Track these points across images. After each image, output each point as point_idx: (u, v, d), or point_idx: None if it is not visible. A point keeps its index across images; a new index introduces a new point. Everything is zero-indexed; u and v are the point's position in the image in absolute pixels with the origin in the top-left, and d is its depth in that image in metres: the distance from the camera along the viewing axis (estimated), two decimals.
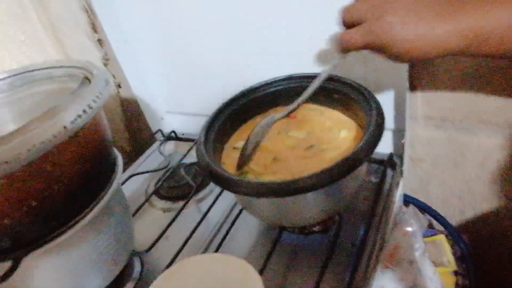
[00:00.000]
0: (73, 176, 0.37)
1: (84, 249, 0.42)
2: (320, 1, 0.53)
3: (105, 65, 0.76)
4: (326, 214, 0.49)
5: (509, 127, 0.52)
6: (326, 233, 0.51)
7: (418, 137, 0.58)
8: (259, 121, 0.52)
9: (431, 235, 0.61)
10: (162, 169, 0.72)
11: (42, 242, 0.37)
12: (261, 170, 0.47)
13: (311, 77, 0.49)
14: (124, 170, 0.71)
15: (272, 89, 0.56)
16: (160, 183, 0.68)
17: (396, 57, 0.36)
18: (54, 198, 0.36)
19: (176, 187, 0.67)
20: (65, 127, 0.33)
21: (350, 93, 0.49)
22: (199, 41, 0.68)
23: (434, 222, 0.64)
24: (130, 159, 0.80)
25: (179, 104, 0.82)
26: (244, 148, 0.49)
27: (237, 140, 0.54)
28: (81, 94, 0.37)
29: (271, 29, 0.60)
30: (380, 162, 0.59)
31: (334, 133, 0.50)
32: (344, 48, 0.40)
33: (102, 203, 0.41)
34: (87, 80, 0.41)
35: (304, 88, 0.48)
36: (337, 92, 0.51)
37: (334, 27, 0.42)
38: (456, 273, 0.57)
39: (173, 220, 0.58)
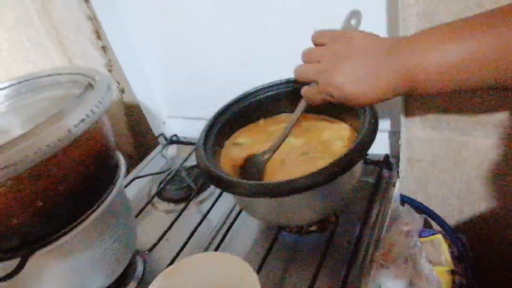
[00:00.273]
0: (77, 178, 0.38)
1: (88, 249, 0.43)
2: (321, 2, 0.54)
3: (109, 71, 0.78)
4: (323, 214, 0.50)
5: (504, 127, 0.53)
6: (323, 232, 0.53)
7: (416, 137, 0.59)
8: None
9: (430, 235, 0.62)
10: (164, 172, 0.73)
11: (48, 241, 0.38)
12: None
13: None
14: (127, 173, 0.73)
15: (272, 93, 0.57)
16: (162, 185, 0.69)
17: (355, 105, 0.40)
18: (59, 198, 0.37)
19: (177, 189, 0.68)
20: (69, 131, 0.35)
21: None
22: (200, 48, 0.70)
23: (434, 222, 0.64)
24: (133, 162, 0.82)
25: (181, 108, 0.83)
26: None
27: (238, 137, 0.55)
28: (85, 100, 0.38)
29: (272, 34, 0.61)
30: (377, 163, 0.60)
31: (331, 144, 0.51)
32: (307, 101, 0.45)
33: (105, 203, 0.42)
34: (90, 86, 0.43)
35: None
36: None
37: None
38: (453, 272, 0.57)
39: (175, 221, 0.59)
